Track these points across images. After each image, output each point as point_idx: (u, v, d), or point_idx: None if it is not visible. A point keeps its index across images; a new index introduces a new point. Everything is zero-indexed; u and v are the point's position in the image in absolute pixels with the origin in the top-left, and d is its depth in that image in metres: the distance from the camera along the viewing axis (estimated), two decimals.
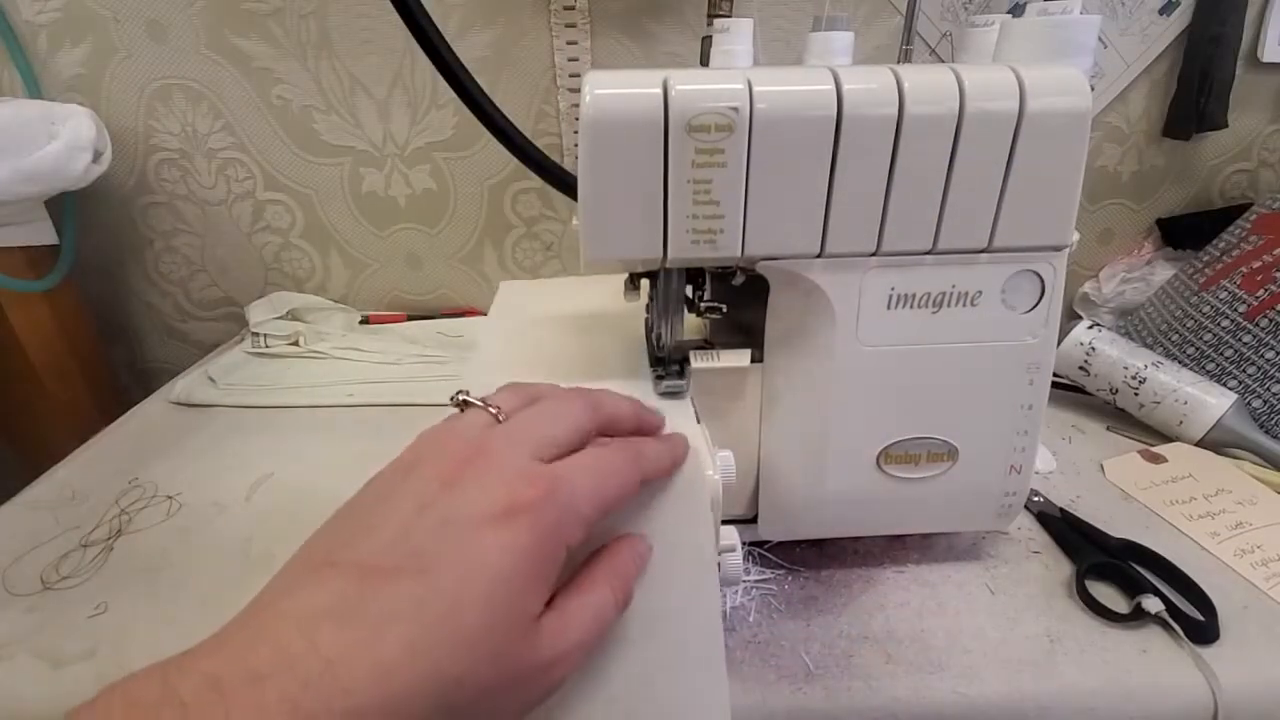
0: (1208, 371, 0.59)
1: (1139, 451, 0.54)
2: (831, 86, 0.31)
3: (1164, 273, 0.75)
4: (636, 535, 0.28)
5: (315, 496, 0.39)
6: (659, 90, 0.31)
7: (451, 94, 0.49)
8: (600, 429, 0.27)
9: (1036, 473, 0.52)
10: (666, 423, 0.33)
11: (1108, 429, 0.60)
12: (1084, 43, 0.44)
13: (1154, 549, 0.43)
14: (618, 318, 0.48)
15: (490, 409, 0.26)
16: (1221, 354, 0.59)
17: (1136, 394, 0.58)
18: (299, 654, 0.18)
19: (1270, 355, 0.57)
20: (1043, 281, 0.36)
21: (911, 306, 0.36)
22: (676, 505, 0.30)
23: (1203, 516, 0.47)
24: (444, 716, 0.19)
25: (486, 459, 0.23)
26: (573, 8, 0.69)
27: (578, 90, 0.72)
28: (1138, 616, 0.39)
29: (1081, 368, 0.60)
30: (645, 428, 0.30)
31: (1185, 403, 0.55)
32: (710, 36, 0.48)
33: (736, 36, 0.46)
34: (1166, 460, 0.53)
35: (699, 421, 0.36)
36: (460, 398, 0.28)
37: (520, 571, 0.21)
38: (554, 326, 0.48)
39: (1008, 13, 0.60)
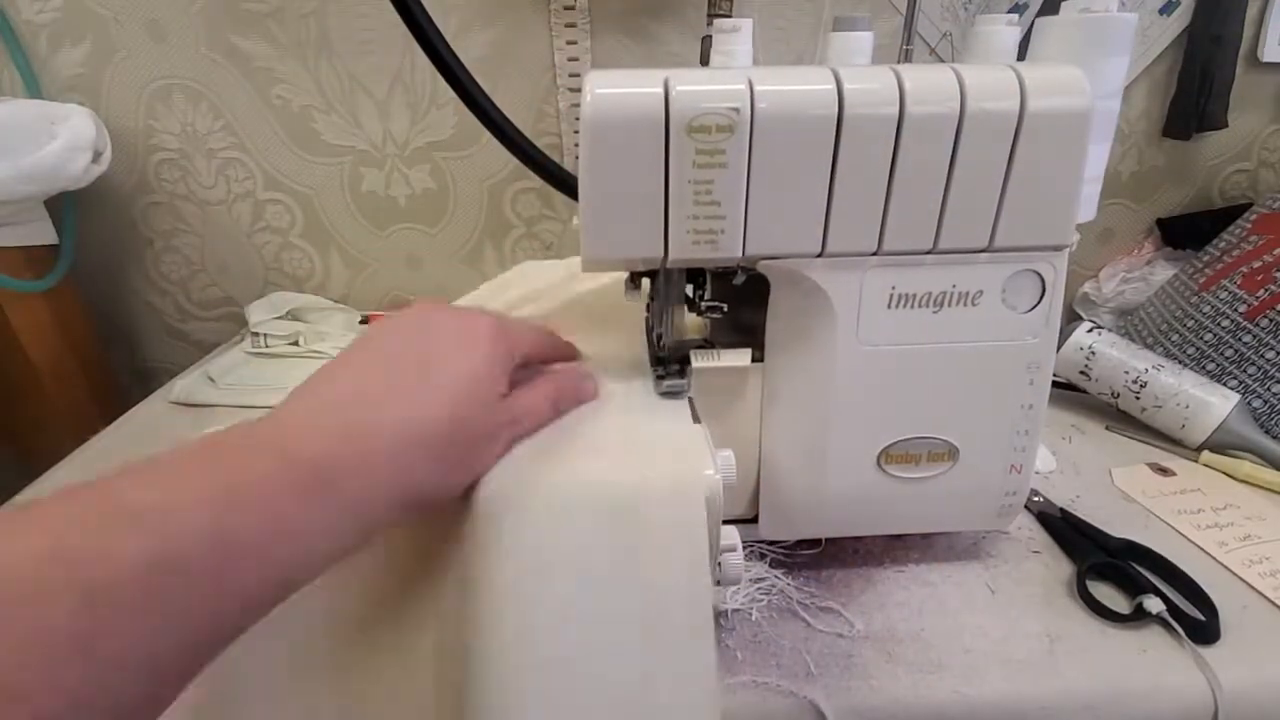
0: (1208, 371, 0.59)
1: (1147, 464, 0.55)
2: (832, 86, 0.31)
3: (1164, 273, 0.75)
4: (584, 373, 0.37)
5: None
6: (660, 90, 0.31)
7: (451, 94, 0.50)
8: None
9: (1036, 473, 0.52)
10: (665, 421, 0.35)
11: (1107, 428, 0.60)
12: (1122, 40, 0.43)
13: (1154, 549, 0.43)
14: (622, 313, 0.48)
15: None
16: (1222, 354, 0.59)
17: (1138, 398, 0.58)
18: (348, 404, 0.26)
19: (1270, 355, 0.57)
20: (1043, 281, 0.36)
21: (912, 306, 0.36)
22: (670, 515, 0.30)
23: (1210, 527, 0.47)
24: (456, 448, 0.28)
25: (450, 307, 0.33)
26: (573, 8, 0.69)
27: (578, 90, 0.72)
28: (1138, 616, 0.39)
29: (1082, 372, 0.60)
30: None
31: (1187, 406, 0.55)
32: (710, 36, 0.48)
33: (736, 37, 0.46)
34: (1175, 474, 0.53)
35: (699, 421, 0.36)
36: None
37: (489, 367, 0.30)
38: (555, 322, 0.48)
39: (1009, 11, 0.60)
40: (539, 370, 0.35)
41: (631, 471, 0.31)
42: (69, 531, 0.19)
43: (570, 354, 0.39)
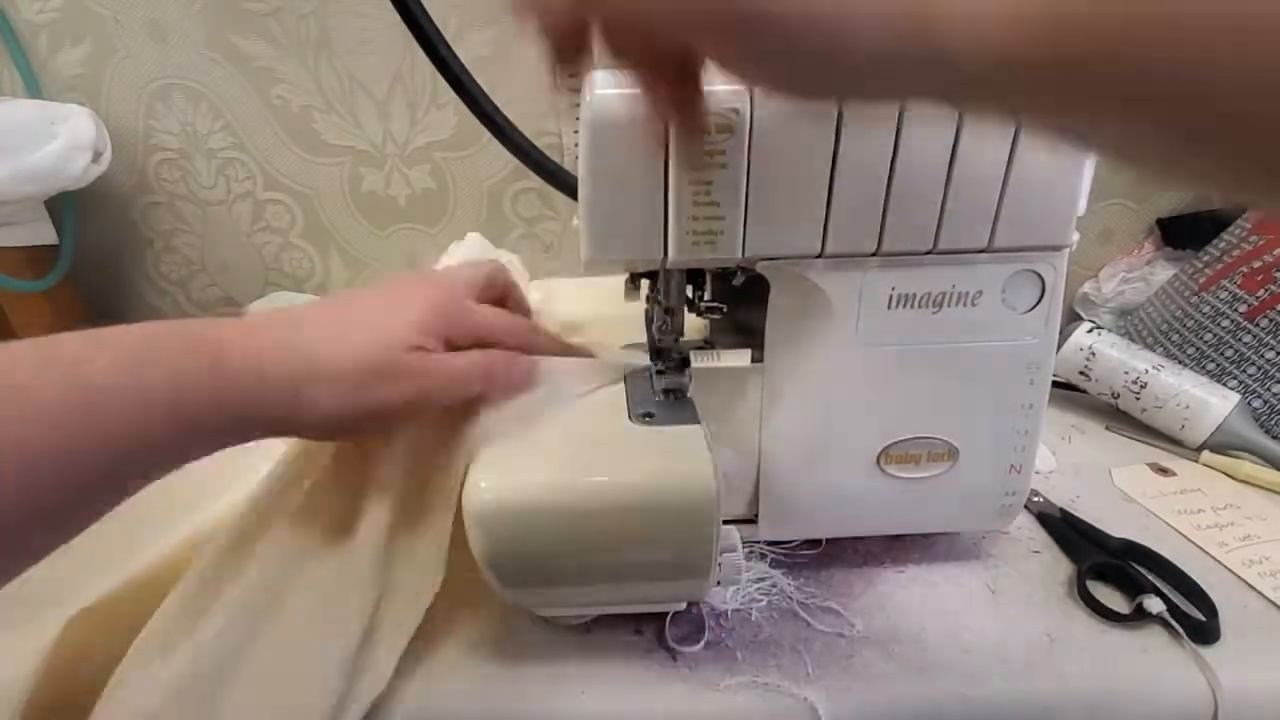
0: (1208, 371, 0.59)
1: (1147, 464, 0.55)
2: None
3: (1164, 273, 0.75)
4: (525, 358, 0.36)
5: None
6: None
7: (451, 94, 0.49)
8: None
9: (1036, 473, 0.52)
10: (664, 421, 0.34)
11: (1107, 428, 0.60)
12: None
13: (1154, 549, 0.43)
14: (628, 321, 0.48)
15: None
16: (1221, 354, 0.59)
17: (1138, 399, 0.58)
18: (282, 329, 0.30)
19: (1270, 355, 0.57)
20: (1043, 281, 0.36)
21: (912, 306, 0.36)
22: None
23: (1210, 527, 0.47)
24: (346, 377, 0.30)
25: (434, 273, 0.37)
26: None
27: (578, 90, 0.72)
28: (1138, 616, 0.39)
29: (1082, 372, 0.60)
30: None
31: (1187, 406, 0.55)
32: None
33: None
34: (1175, 474, 0.53)
35: (699, 421, 0.36)
36: None
37: (413, 321, 0.32)
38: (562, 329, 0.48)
39: None
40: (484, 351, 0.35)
41: (632, 471, 0.31)
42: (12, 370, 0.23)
43: (557, 347, 0.39)
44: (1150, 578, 0.41)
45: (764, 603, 0.40)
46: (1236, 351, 0.58)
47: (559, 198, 0.77)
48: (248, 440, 0.29)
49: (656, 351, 0.40)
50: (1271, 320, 0.57)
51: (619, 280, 0.40)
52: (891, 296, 0.36)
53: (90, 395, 0.24)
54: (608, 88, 0.31)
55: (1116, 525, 0.46)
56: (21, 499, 0.22)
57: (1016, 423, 0.38)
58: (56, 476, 0.23)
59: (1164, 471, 0.54)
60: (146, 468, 0.26)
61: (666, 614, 0.39)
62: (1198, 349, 0.61)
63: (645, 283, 0.41)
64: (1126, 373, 0.58)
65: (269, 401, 0.28)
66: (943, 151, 0.32)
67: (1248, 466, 0.52)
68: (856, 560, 0.44)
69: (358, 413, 0.30)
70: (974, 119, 0.30)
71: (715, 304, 0.38)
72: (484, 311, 0.35)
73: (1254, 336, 0.57)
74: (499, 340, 0.35)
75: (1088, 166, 0.33)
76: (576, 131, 0.78)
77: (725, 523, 0.33)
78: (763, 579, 0.42)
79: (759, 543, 0.43)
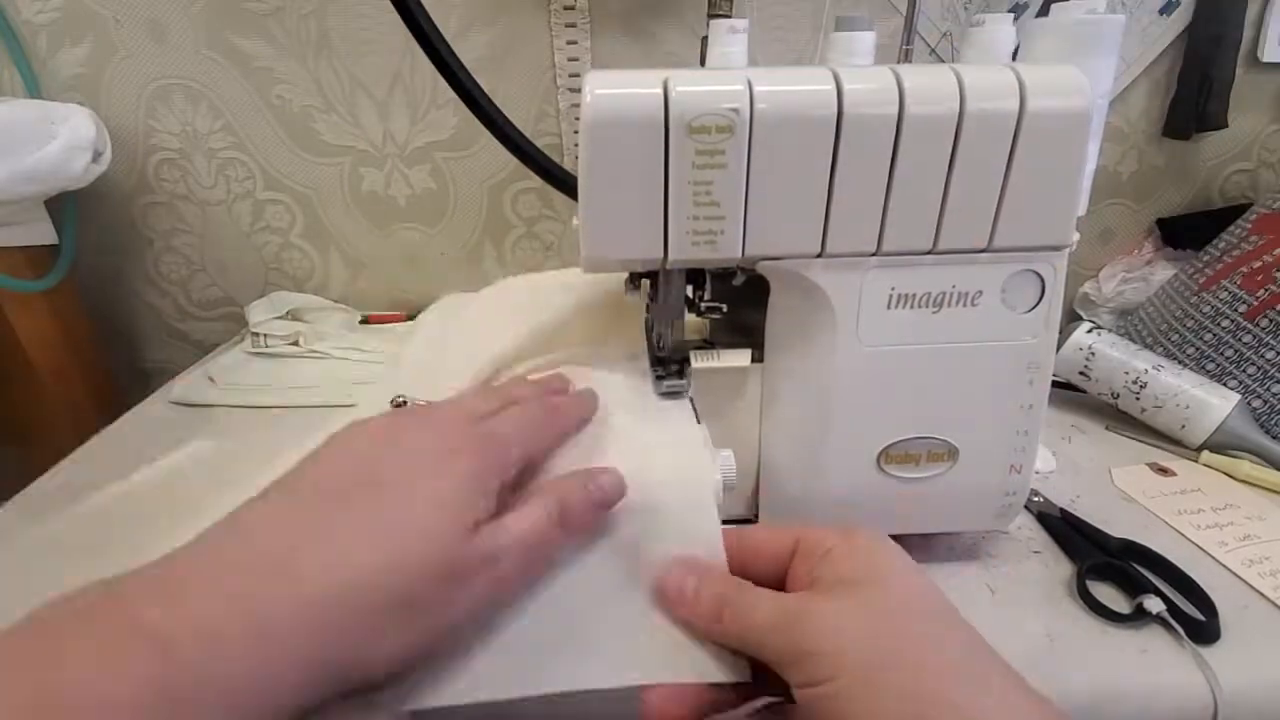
0: (1208, 371, 0.59)
1: (1148, 464, 0.55)
2: (832, 87, 0.31)
3: (1164, 273, 0.75)
4: (601, 468, 0.30)
5: None
6: (659, 91, 0.31)
7: (451, 94, 0.50)
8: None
9: (1036, 473, 0.52)
10: (663, 421, 0.34)
11: (1107, 428, 0.60)
12: (1110, 42, 0.44)
13: (1154, 549, 0.43)
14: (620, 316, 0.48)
15: (420, 402, 0.32)
16: (1221, 354, 0.59)
17: (1138, 398, 0.58)
18: (255, 554, 0.21)
19: (1270, 355, 0.57)
20: (1043, 281, 0.36)
21: (912, 306, 0.36)
22: (680, 504, 0.30)
23: (1210, 527, 0.47)
24: (401, 606, 0.21)
25: (427, 416, 0.28)
26: (573, 8, 0.69)
27: (578, 90, 0.72)
28: (1138, 616, 0.39)
29: (1082, 372, 0.60)
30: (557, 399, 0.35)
31: (1187, 406, 0.55)
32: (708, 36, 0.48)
33: (731, 38, 0.47)
34: (1175, 474, 0.53)
35: (699, 421, 0.36)
36: (398, 400, 0.33)
37: (461, 489, 0.24)
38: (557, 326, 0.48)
39: (1009, 11, 0.60)
40: (543, 484, 0.29)
41: (632, 473, 0.31)
42: None
43: (563, 389, 0.36)
44: (1150, 578, 0.41)
45: None
46: (1236, 351, 0.58)
47: (559, 198, 0.77)
48: None
49: (656, 360, 0.40)
50: (1271, 320, 0.57)
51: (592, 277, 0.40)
52: (891, 296, 0.36)
53: None
54: (607, 88, 0.31)
55: (1116, 525, 0.46)
56: None
57: (1016, 423, 0.38)
58: None
59: (1164, 471, 0.54)
60: None
61: None
62: (1198, 349, 0.61)
63: (645, 282, 0.41)
64: (1126, 373, 0.58)
65: (261, 680, 0.18)
66: (942, 151, 0.32)
67: (1247, 466, 0.52)
68: None
69: (406, 647, 0.22)
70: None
71: (715, 304, 0.38)
72: (501, 427, 0.28)
73: (1254, 336, 0.57)
74: (536, 449, 0.29)
75: (1088, 167, 0.33)
76: (576, 131, 0.79)
77: (725, 523, 0.33)
78: None
79: None
